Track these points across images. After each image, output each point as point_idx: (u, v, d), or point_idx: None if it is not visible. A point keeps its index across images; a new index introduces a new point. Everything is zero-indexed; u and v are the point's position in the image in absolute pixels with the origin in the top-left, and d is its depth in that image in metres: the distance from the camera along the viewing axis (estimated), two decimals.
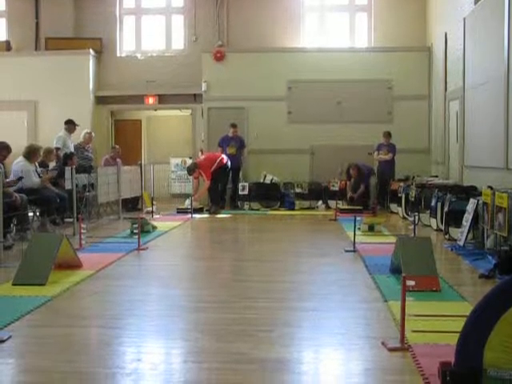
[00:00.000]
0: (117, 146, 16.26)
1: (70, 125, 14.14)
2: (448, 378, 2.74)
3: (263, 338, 5.06)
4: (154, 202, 15.25)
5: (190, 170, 15.57)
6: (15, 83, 17.18)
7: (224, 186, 15.88)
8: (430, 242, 7.17)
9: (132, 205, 15.43)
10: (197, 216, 14.38)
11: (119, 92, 17.82)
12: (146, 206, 15.28)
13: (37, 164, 11.55)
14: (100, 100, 17.98)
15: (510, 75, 10.52)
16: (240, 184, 16.31)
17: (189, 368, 4.47)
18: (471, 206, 9.83)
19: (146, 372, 4.40)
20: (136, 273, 8.26)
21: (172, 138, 19.66)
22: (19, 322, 5.51)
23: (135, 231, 10.05)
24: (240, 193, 16.24)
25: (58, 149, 13.55)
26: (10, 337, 5.00)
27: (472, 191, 10.94)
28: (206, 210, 15.07)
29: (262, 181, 16.62)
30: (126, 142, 18.75)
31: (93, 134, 15.04)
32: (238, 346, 4.87)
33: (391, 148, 15.83)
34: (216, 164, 15.13)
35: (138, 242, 9.47)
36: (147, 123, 20.25)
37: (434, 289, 6.49)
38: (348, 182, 15.71)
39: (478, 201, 9.62)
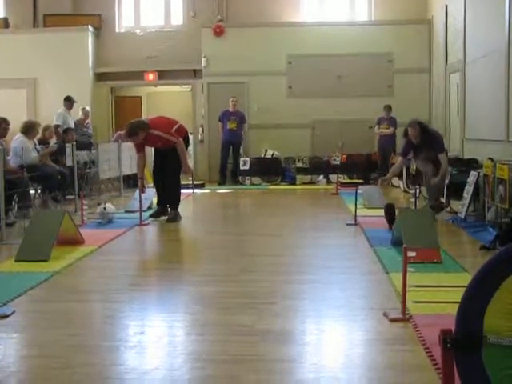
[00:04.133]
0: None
1: (69, 101, 14.11)
2: (448, 345, 2.76)
3: (266, 311, 5.09)
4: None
5: (133, 132, 9.72)
6: (14, 61, 17.10)
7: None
8: (430, 214, 7.19)
9: (133, 181, 15.42)
10: (198, 191, 14.40)
11: (119, 68, 17.74)
12: (146, 182, 15.25)
13: (35, 140, 11.54)
14: (99, 77, 17.91)
15: (510, 48, 10.48)
16: (241, 159, 16.31)
17: (192, 340, 4.50)
18: (472, 178, 9.83)
19: (149, 345, 4.44)
20: (138, 248, 8.30)
21: (172, 114, 19.27)
22: (22, 297, 5.54)
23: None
24: (241, 168, 16.24)
25: (57, 126, 13.53)
26: (13, 312, 5.04)
27: (473, 164, 10.94)
28: (167, 219, 9.96)
29: (262, 156, 16.62)
30: (126, 118, 18.54)
31: (87, 108, 14.99)
32: (240, 318, 4.90)
33: (392, 121, 15.80)
34: (175, 129, 9.96)
35: (140, 217, 9.49)
36: (147, 99, 20.17)
37: (435, 260, 6.51)
38: (401, 158, 10.19)
39: (479, 173, 9.63)
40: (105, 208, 9.42)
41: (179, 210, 10.16)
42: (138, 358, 4.18)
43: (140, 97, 20.13)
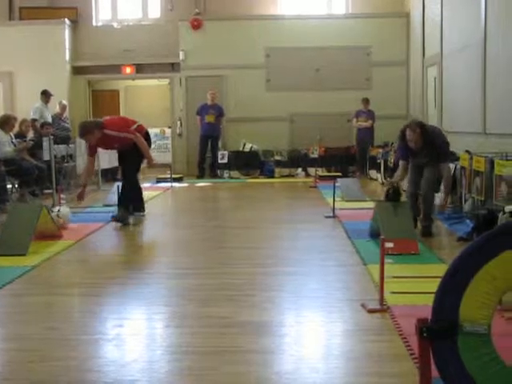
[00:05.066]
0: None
1: (45, 95, 14.03)
2: (425, 334, 2.79)
3: (244, 303, 5.11)
4: None
5: (86, 131, 8.94)
6: None
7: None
8: (408, 205, 7.24)
9: (111, 175, 15.37)
10: (176, 185, 14.38)
11: (96, 62, 17.64)
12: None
13: (12, 134, 11.46)
14: (77, 70, 17.79)
15: (486, 41, 10.56)
16: (219, 152, 16.29)
17: (171, 333, 4.51)
18: (447, 168, 9.88)
19: (128, 337, 4.45)
20: (116, 242, 8.28)
21: (150, 108, 19.52)
22: (1, 291, 5.52)
23: None
24: (219, 161, 16.22)
25: (34, 120, 13.45)
26: None
27: (450, 156, 11.00)
28: (116, 220, 9.06)
29: (241, 149, 16.61)
30: (104, 112, 18.55)
31: (64, 102, 14.93)
32: (219, 310, 4.92)
33: (370, 114, 15.87)
34: (133, 128, 9.22)
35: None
36: (125, 93, 20.11)
37: (413, 252, 6.56)
38: (403, 162, 8.19)
39: (456, 165, 9.70)
40: (58, 212, 8.44)
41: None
42: (117, 350, 4.18)
43: (118, 90, 20.05)
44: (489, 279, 2.77)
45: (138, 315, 5.00)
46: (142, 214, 9.60)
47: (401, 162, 8.16)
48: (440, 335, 2.79)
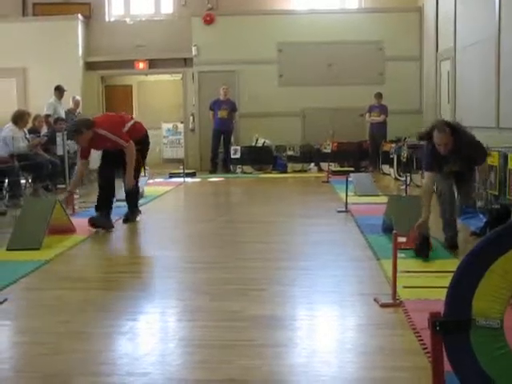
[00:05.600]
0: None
1: (59, 90, 14.08)
2: (437, 329, 2.79)
3: (256, 297, 5.12)
4: (147, 167, 15.22)
5: (76, 131, 8.34)
6: (3, 50, 16.98)
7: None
8: (420, 200, 7.21)
9: (124, 170, 15.40)
10: (189, 180, 14.40)
11: (109, 57, 17.66)
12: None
13: (25, 130, 11.51)
14: (90, 66, 17.84)
15: (500, 35, 10.51)
16: (232, 147, 16.29)
17: (183, 326, 4.53)
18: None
19: (142, 331, 4.47)
20: (129, 236, 8.30)
21: (163, 103, 19.55)
22: (15, 285, 5.55)
23: None
24: (232, 156, 16.21)
25: (48, 115, 13.49)
26: (5, 299, 5.04)
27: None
28: (124, 221, 8.73)
29: (253, 144, 16.59)
30: (117, 107, 18.60)
31: (78, 98, 15.00)
32: (231, 304, 4.93)
33: (383, 109, 15.81)
34: (128, 128, 8.43)
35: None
36: (138, 88, 20.12)
37: None
38: (429, 174, 6.81)
39: None
40: None
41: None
42: (130, 344, 4.20)
43: (131, 86, 20.06)
44: (502, 273, 2.76)
45: (151, 309, 5.02)
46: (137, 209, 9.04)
47: (428, 174, 6.72)
48: (453, 329, 2.79)
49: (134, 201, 8.97)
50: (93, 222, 8.06)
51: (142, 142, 8.68)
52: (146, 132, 8.97)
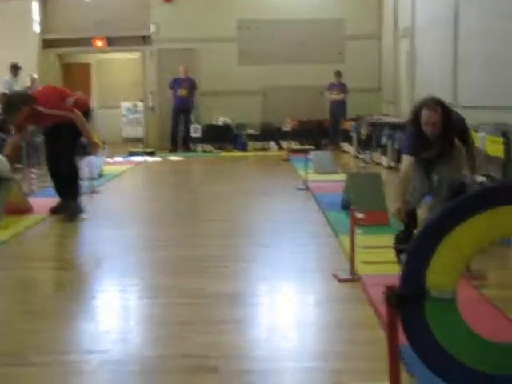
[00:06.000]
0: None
1: (14, 68, 13.87)
2: (392, 301, 2.83)
3: (217, 274, 5.14)
4: (106, 146, 15.12)
5: (12, 108, 7.32)
6: None
7: None
8: (379, 177, 7.30)
9: (82, 150, 15.25)
10: (149, 159, 14.32)
11: (66, 35, 17.38)
12: (98, 147, 15.08)
13: None
14: (47, 43, 17.54)
15: (458, 13, 10.60)
16: (192, 126, 16.22)
17: (143, 304, 4.54)
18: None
19: (101, 309, 4.47)
20: (89, 215, 8.23)
21: (122, 82, 19.35)
22: None
23: None
24: (192, 135, 16.15)
25: (3, 94, 13.26)
26: None
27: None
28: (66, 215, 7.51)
29: (214, 122, 16.55)
30: (75, 86, 18.39)
31: (35, 76, 14.76)
32: (192, 281, 4.94)
33: (342, 87, 15.88)
34: (70, 102, 7.55)
35: (90, 184, 9.40)
36: (97, 66, 19.87)
37: (384, 223, 6.62)
38: (408, 158, 5.58)
39: None
40: None
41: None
42: (89, 322, 4.19)
43: (89, 64, 19.81)
44: (455, 246, 2.81)
45: (111, 287, 5.01)
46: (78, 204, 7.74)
47: (407, 158, 5.57)
48: (407, 302, 2.83)
49: (70, 189, 7.72)
50: (54, 211, 7.65)
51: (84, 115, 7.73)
52: (88, 105, 8.25)
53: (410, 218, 5.39)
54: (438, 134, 5.42)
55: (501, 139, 7.77)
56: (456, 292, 2.87)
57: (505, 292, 4.69)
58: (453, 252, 2.82)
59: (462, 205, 2.89)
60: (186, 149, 16.09)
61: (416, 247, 2.84)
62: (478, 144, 7.81)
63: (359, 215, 4.99)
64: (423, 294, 2.82)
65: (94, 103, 18.51)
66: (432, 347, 2.88)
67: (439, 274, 2.82)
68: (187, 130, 16.18)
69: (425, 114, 5.39)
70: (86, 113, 7.83)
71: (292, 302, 4.62)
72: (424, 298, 2.82)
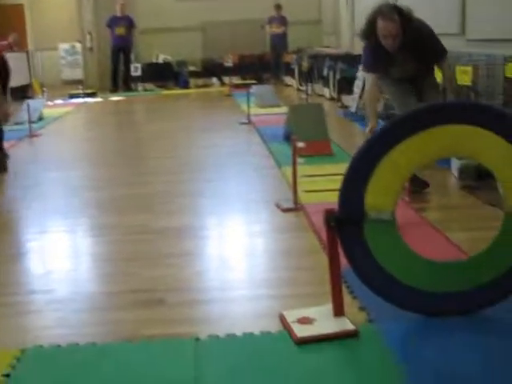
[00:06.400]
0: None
1: None
2: (332, 224, 2.88)
3: (162, 210, 5.15)
4: (45, 89, 14.83)
5: None
6: None
7: None
8: (321, 107, 7.33)
9: (21, 93, 14.92)
10: (90, 100, 14.10)
11: None
12: (36, 94, 14.82)
13: None
14: None
15: None
16: (132, 65, 15.96)
17: (89, 243, 4.54)
18: (361, 72, 10.00)
19: (45, 250, 4.44)
20: (31, 159, 8.12)
21: (58, 22, 18.84)
22: None
23: None
24: (133, 74, 15.91)
25: None
26: None
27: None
28: None
29: (154, 61, 16.33)
30: (8, 28, 17.87)
31: None
32: (138, 218, 4.94)
33: (283, 20, 15.76)
34: None
35: (30, 128, 9.25)
36: (30, 7, 19.28)
37: (327, 153, 6.69)
38: (370, 75, 5.12)
39: None
40: None
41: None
42: (37, 261, 4.18)
43: (22, 4, 19.19)
44: (392, 167, 2.85)
45: (55, 228, 4.96)
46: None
47: (369, 76, 5.08)
48: (347, 224, 2.89)
49: None
50: None
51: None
52: (4, 56, 7.71)
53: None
54: (398, 48, 4.76)
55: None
56: (395, 213, 2.94)
57: (444, 214, 4.81)
58: (390, 173, 2.87)
59: (399, 125, 2.93)
60: (127, 88, 15.86)
61: (353, 169, 2.88)
62: None
63: (300, 144, 5.02)
64: (362, 216, 2.88)
65: (29, 45, 18.08)
66: (372, 268, 2.95)
67: (377, 195, 2.87)
68: (127, 70, 15.92)
69: (380, 24, 4.71)
70: (2, 64, 7.26)
71: (238, 233, 4.66)
72: (363, 220, 2.88)
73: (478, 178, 5.37)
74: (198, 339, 2.92)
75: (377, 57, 4.92)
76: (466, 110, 2.94)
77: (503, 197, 3.04)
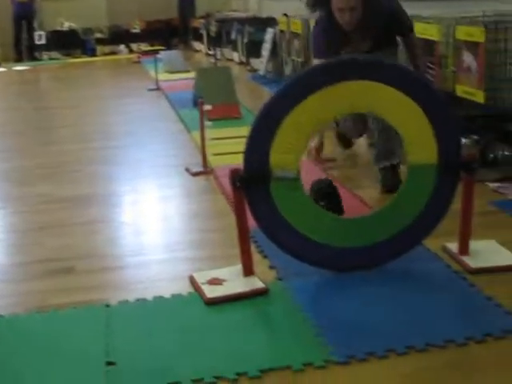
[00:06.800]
0: None
1: None
2: (238, 184, 2.89)
3: (69, 179, 5.05)
4: None
5: None
6: None
7: None
8: (229, 70, 7.31)
9: None
10: None
11: None
12: None
13: None
14: None
15: None
16: (36, 33, 15.49)
17: None
18: (269, 35, 10.01)
19: None
20: None
21: None
22: None
23: None
24: (37, 43, 15.45)
25: None
26: None
27: (270, 22, 11.12)
28: None
29: (59, 28, 15.89)
30: None
31: None
32: (43, 188, 4.83)
33: None
34: None
35: None
36: None
37: (235, 116, 6.69)
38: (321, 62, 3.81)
39: (275, 30, 9.82)
40: None
41: None
42: None
43: None
44: (295, 125, 2.87)
45: None
46: None
47: (318, 62, 3.97)
48: (252, 183, 2.90)
49: None
50: None
51: None
52: None
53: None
54: (357, 25, 4.05)
55: None
56: (300, 170, 2.96)
57: (352, 171, 4.89)
58: (293, 131, 2.89)
59: (299, 84, 2.94)
60: (32, 57, 15.42)
61: (256, 129, 2.88)
62: None
63: (207, 107, 5.00)
64: (267, 175, 2.89)
65: None
66: (280, 226, 2.98)
67: (281, 153, 2.89)
68: (31, 38, 15.45)
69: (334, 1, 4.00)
70: None
71: (148, 198, 4.61)
72: (268, 179, 2.90)
73: None
74: (108, 305, 2.89)
75: (330, 39, 4.16)
76: (367, 66, 2.97)
77: (406, 152, 3.10)
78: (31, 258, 3.55)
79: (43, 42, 15.46)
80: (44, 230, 3.94)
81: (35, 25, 15.73)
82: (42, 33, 15.55)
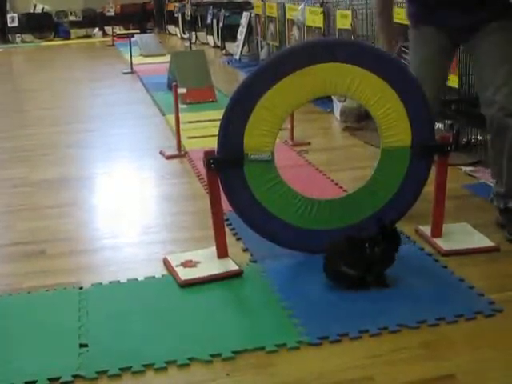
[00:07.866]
0: None
1: None
2: (212, 166, 2.88)
3: (41, 162, 5.01)
4: None
5: None
6: None
7: None
8: (203, 54, 7.27)
9: None
10: None
11: None
12: None
13: None
14: None
15: None
16: (8, 16, 15.29)
17: None
18: (244, 19, 9.98)
19: None
20: None
21: None
22: None
23: None
24: (9, 25, 15.27)
25: None
26: None
27: (246, 6, 11.09)
28: None
29: (32, 11, 15.70)
30: None
31: None
32: (17, 171, 4.77)
33: None
34: None
35: None
36: None
37: (210, 99, 6.66)
38: None
39: (251, 13, 9.79)
40: None
41: None
42: None
43: None
44: (270, 108, 2.85)
45: None
46: None
47: None
48: (227, 166, 2.89)
49: None
50: None
51: None
52: None
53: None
54: None
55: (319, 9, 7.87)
56: (273, 153, 2.95)
57: (326, 155, 4.89)
58: (268, 113, 2.88)
59: (272, 67, 2.93)
60: (4, 40, 15.24)
61: (230, 111, 2.87)
62: (295, 16, 7.85)
63: (181, 90, 4.97)
64: (241, 157, 2.88)
65: None
66: (253, 208, 2.97)
67: (256, 136, 2.88)
68: (3, 20, 15.25)
69: None
70: None
71: (122, 182, 4.58)
72: (242, 161, 2.88)
73: (359, 120, 5.49)
74: (81, 288, 2.87)
75: None
76: (340, 49, 2.96)
77: (379, 134, 3.11)
78: (2, 240, 3.51)
79: (16, 24, 15.28)
80: (16, 213, 3.90)
81: (8, 7, 15.53)
82: (15, 15, 15.37)
